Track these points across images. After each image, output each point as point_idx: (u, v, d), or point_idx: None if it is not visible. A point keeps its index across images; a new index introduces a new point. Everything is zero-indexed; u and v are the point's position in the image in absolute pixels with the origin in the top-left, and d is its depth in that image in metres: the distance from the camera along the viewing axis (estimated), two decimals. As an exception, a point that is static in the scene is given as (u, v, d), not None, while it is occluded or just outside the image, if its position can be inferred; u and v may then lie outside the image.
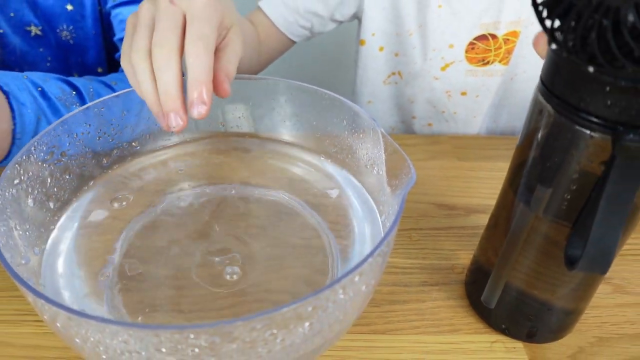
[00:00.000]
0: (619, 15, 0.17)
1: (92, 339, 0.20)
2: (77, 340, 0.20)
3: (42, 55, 0.57)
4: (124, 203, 0.33)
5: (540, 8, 0.20)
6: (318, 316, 0.21)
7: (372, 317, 0.33)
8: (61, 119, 0.30)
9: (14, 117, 0.38)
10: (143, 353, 0.20)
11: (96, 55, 0.58)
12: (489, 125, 0.65)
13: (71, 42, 0.56)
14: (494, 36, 0.56)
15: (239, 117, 0.39)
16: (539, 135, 0.26)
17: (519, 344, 0.32)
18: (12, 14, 0.54)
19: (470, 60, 0.58)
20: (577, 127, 0.23)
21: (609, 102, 0.20)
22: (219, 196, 0.35)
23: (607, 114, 0.21)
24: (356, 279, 0.22)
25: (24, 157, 0.27)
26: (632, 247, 0.39)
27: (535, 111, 0.26)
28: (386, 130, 0.67)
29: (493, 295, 0.32)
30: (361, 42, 0.61)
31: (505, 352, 0.31)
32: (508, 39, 0.56)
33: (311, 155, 0.36)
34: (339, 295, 0.22)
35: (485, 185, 0.45)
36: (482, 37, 0.56)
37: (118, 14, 0.52)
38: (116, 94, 0.33)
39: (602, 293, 0.35)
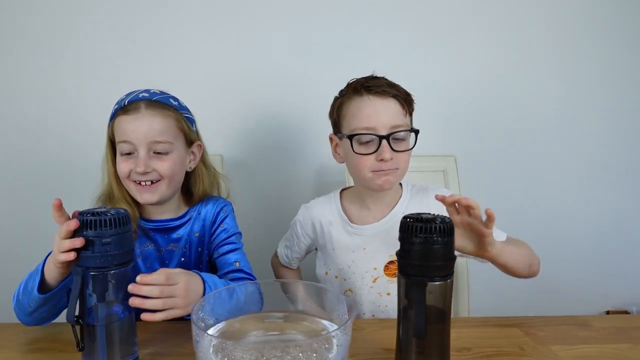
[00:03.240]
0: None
1: (237, 354, 0.55)
2: (227, 358, 0.55)
3: None
4: (225, 335, 0.69)
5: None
6: (315, 350, 0.57)
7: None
8: (203, 300, 0.69)
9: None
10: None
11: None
12: None
13: None
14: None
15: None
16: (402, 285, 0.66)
17: (419, 399, 0.63)
18: (148, 266, 1.00)
19: (388, 274, 1.01)
20: (406, 278, 0.63)
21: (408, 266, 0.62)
22: (271, 341, 0.71)
23: (407, 271, 0.62)
24: (326, 341, 0.58)
25: (196, 309, 0.65)
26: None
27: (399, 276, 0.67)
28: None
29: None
30: (325, 273, 1.09)
31: (412, 403, 0.63)
32: None
33: (314, 317, 0.74)
34: (324, 345, 0.58)
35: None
36: (392, 262, 1.01)
37: (222, 260, 0.99)
38: (224, 288, 0.73)
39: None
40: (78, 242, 0.64)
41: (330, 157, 1.51)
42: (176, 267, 1.00)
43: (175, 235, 1.02)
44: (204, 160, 1.07)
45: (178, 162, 0.97)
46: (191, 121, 1.02)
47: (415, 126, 1.00)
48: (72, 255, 0.65)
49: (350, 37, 1.50)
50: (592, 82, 1.60)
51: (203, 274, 0.80)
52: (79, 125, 1.46)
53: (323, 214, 1.09)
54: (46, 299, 0.77)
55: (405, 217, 0.65)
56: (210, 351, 0.58)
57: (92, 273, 0.65)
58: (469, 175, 1.47)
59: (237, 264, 1.00)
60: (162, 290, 0.72)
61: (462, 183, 1.41)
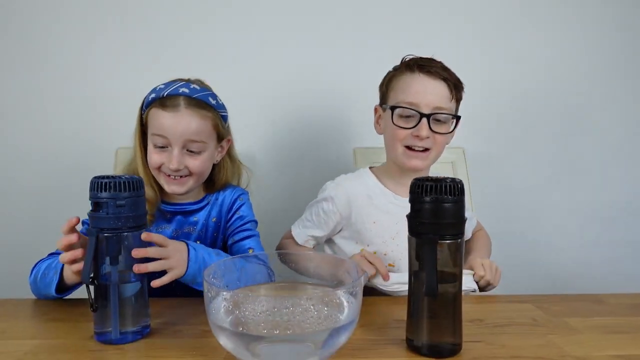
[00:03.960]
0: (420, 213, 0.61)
1: (248, 307, 0.55)
2: (238, 311, 0.56)
3: None
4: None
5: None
6: (326, 303, 0.57)
7: (363, 347, 0.65)
8: (213, 267, 0.69)
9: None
10: (268, 311, 0.55)
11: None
12: None
13: None
14: None
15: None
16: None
17: (432, 360, 0.63)
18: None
19: None
20: (417, 237, 0.63)
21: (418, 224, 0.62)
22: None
23: (418, 230, 0.62)
24: (337, 296, 0.59)
25: (207, 274, 0.66)
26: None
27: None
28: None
29: (419, 339, 0.65)
30: (361, 250, 1.04)
31: (424, 365, 0.62)
32: None
33: (325, 287, 0.74)
34: (336, 298, 0.58)
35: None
36: None
37: (236, 246, 1.00)
38: (233, 257, 0.73)
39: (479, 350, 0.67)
40: (74, 237, 0.69)
41: (347, 153, 1.54)
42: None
43: (193, 219, 1.03)
44: (230, 152, 1.08)
45: (209, 159, 0.99)
46: (225, 118, 1.02)
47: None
48: (76, 267, 0.70)
49: (372, 39, 1.53)
50: (610, 78, 1.60)
51: (188, 242, 0.83)
52: (98, 131, 1.50)
53: (358, 189, 1.07)
54: (62, 296, 0.82)
55: (415, 179, 0.65)
56: (222, 307, 0.58)
57: (105, 234, 0.66)
58: (477, 167, 1.47)
59: (251, 250, 1.00)
60: (161, 251, 0.74)
61: (471, 175, 1.41)
